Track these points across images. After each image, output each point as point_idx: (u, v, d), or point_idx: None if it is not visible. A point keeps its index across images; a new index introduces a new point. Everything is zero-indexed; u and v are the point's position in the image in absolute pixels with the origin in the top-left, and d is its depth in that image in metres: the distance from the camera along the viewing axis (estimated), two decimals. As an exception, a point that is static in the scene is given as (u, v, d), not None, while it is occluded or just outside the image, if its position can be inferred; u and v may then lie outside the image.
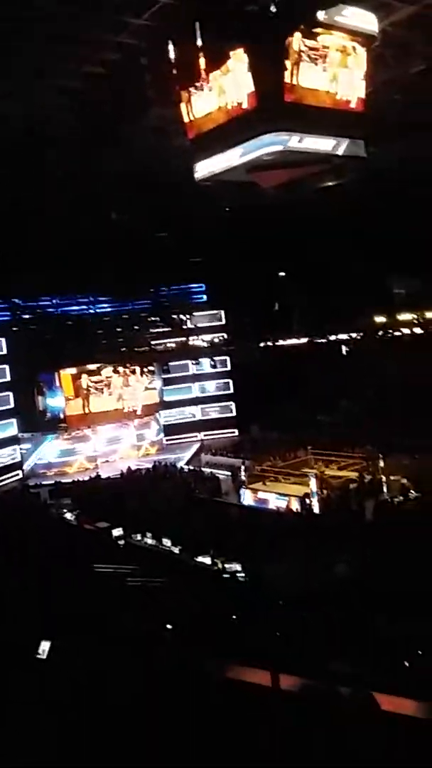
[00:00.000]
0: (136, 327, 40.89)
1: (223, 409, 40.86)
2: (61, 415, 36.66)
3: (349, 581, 11.32)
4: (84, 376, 37.28)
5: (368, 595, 9.74)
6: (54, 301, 39.06)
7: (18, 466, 35.14)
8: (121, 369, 38.64)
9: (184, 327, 41.16)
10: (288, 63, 12.63)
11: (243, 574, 14.27)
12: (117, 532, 19.02)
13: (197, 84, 14.01)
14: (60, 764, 3.92)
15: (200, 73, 13.73)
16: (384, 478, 23.54)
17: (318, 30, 12.95)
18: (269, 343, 44.19)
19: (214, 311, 41.46)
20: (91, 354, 37.86)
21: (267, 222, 29.09)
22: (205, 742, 3.88)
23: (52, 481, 31.88)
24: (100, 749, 3.91)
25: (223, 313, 41.33)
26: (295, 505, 23.13)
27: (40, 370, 36.70)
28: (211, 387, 41.25)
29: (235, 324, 41.62)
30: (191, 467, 33.53)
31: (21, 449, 35.69)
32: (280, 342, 43.74)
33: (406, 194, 28.11)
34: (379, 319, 40.47)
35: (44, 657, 5.23)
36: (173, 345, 41.04)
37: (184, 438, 40.07)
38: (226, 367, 41.14)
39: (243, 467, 27.93)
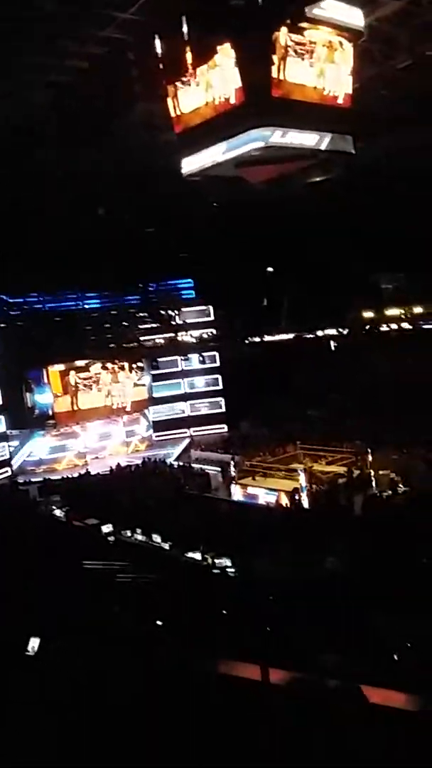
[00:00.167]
0: (124, 323, 40.77)
1: (212, 404, 40.85)
2: (50, 412, 36.52)
3: (338, 575, 11.38)
4: (72, 373, 37.17)
5: (357, 589, 9.80)
6: (42, 297, 38.86)
7: (6, 463, 34.96)
8: (109, 365, 38.57)
9: (173, 323, 41.08)
10: (275, 58, 12.63)
11: (233, 569, 14.31)
12: (107, 528, 19.00)
13: (184, 79, 13.98)
14: (49, 761, 3.92)
15: (187, 68, 13.70)
16: (373, 473, 23.64)
17: (304, 25, 12.96)
18: (258, 339, 44.27)
19: (203, 307, 41.43)
20: (79, 350, 37.75)
21: (256, 218, 29.09)
22: (196, 738, 3.89)
23: (41, 478, 31.75)
24: (91, 746, 3.91)
25: (211, 308, 41.31)
26: (285, 500, 23.18)
27: (28, 366, 36.51)
28: (200, 383, 41.21)
29: (224, 320, 41.63)
30: (181, 463, 33.52)
31: (9, 446, 35.52)
32: (269, 337, 43.83)
33: (393, 190, 28.17)
34: (368, 314, 40.64)
35: (33, 654, 5.23)
36: (162, 341, 40.97)
37: (174, 434, 40.02)
38: (215, 362, 41.12)
39: (232, 463, 27.96)
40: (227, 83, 13.11)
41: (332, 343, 41.60)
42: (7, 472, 34.62)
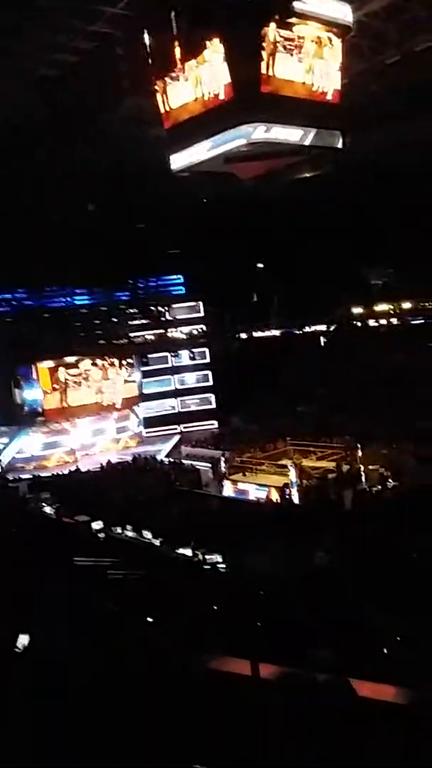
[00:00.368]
0: (114, 319, 40.67)
1: (202, 401, 40.82)
2: (39, 409, 36.39)
3: (328, 570, 11.42)
4: (62, 369, 37.04)
5: (347, 583, 9.84)
6: (31, 293, 38.67)
7: (-5, 460, 34.87)
8: (99, 362, 38.47)
9: (163, 319, 41.02)
10: (264, 54, 12.61)
11: (223, 565, 14.33)
12: (97, 525, 18.95)
13: (173, 74, 13.93)
14: (38, 757, 3.92)
15: (176, 63, 13.65)
16: (362, 468, 23.73)
17: (293, 20, 12.94)
18: (248, 335, 44.30)
19: (193, 303, 41.37)
20: (69, 347, 37.62)
21: (245, 214, 29.08)
22: (186, 733, 3.90)
23: (31, 475, 31.64)
24: (80, 741, 3.91)
25: (201, 305, 41.25)
26: (275, 496, 23.24)
27: (17, 362, 36.35)
28: (191, 379, 41.18)
29: (214, 316, 41.59)
30: (171, 459, 33.51)
31: (-1, 443, 35.42)
32: (259, 333, 43.87)
33: (382, 185, 28.23)
34: (357, 310, 40.79)
35: (21, 650, 5.22)
36: (152, 337, 40.92)
37: (164, 430, 39.97)
38: (206, 358, 41.08)
39: (223, 459, 27.97)
40: (216, 79, 13.07)
41: (322, 339, 41.72)
42: (-4, 469, 34.51)
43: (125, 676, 4.74)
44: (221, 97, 13.14)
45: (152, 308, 41.07)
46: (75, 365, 37.59)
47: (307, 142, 14.00)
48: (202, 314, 41.40)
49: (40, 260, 31.06)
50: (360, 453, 24.83)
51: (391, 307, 39.30)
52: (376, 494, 21.74)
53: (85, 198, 26.80)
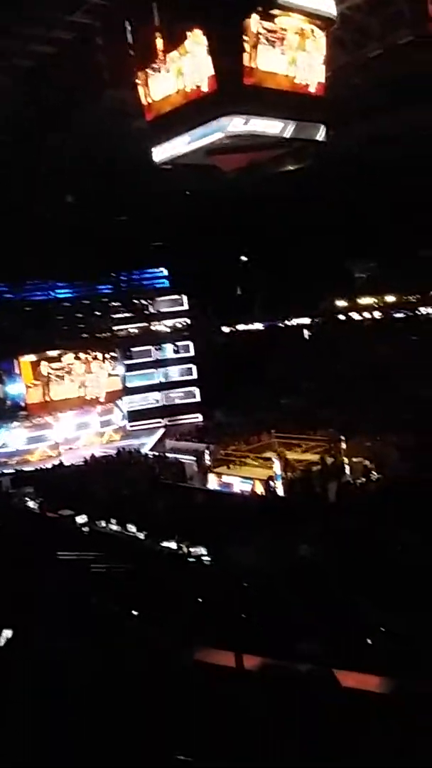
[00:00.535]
0: (97, 313, 40.48)
1: (186, 394, 40.78)
2: (22, 403, 36.17)
3: (312, 562, 11.49)
4: (44, 363, 36.82)
5: (331, 575, 9.90)
6: (12, 287, 38.35)
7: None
8: (82, 355, 38.28)
9: (147, 312, 40.89)
10: (246, 45, 12.55)
11: (208, 558, 14.35)
12: (81, 519, 18.89)
13: (154, 65, 13.83)
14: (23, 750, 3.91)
15: (157, 54, 13.56)
16: (346, 461, 23.85)
17: (276, 12, 12.89)
18: (232, 328, 44.34)
19: (177, 296, 41.25)
20: (51, 340, 37.40)
21: (229, 207, 29.01)
22: (171, 725, 3.91)
23: (13, 470, 31.45)
24: (63, 735, 3.91)
25: (185, 298, 41.14)
26: (260, 488, 23.30)
27: (-1, 357, 36.11)
28: (175, 372, 41.11)
29: (198, 309, 41.53)
30: (155, 453, 33.46)
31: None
32: (243, 326, 43.92)
33: (366, 178, 28.32)
34: (341, 303, 40.97)
35: (2, 645, 5.21)
36: (136, 331, 40.77)
37: (148, 424, 39.90)
38: (189, 352, 41.01)
39: (207, 452, 27.97)
40: (199, 71, 12.99)
41: (306, 332, 41.85)
42: (-22, 464, 34.26)
43: (110, 669, 4.74)
44: (204, 89, 13.07)
45: (136, 301, 40.94)
46: (58, 359, 37.38)
47: (286, 135, 13.96)
48: (185, 307, 41.30)
49: (21, 254, 30.78)
50: (344, 445, 24.96)
51: (375, 300, 39.52)
52: (359, 486, 21.87)
53: (66, 191, 26.60)
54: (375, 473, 22.64)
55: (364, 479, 22.48)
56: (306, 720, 3.59)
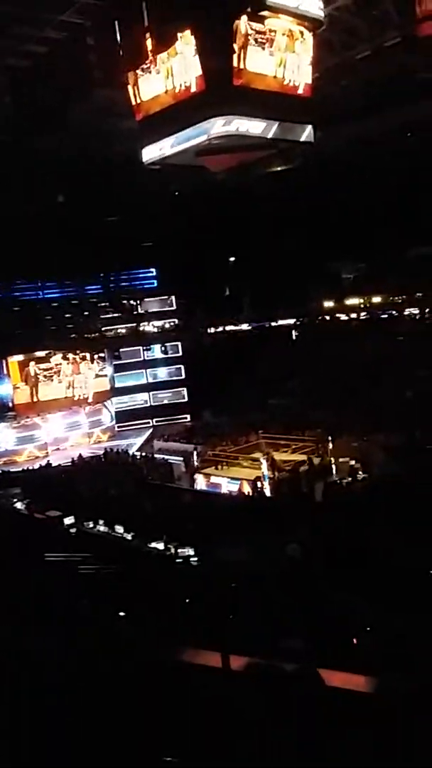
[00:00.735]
0: (85, 313, 40.34)
1: (174, 394, 40.69)
2: (9, 404, 35.99)
3: (300, 561, 11.51)
4: (32, 364, 36.67)
5: (317, 574, 9.94)
6: (0, 286, 38.15)
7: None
8: (70, 356, 38.15)
9: (135, 313, 40.81)
10: (235, 46, 12.60)
11: (196, 559, 14.35)
12: (69, 520, 18.84)
13: (144, 66, 13.85)
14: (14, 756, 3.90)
15: (147, 55, 13.58)
16: (333, 461, 23.94)
17: (265, 13, 12.95)
18: (220, 328, 44.35)
19: (165, 297, 41.19)
20: (39, 340, 37.23)
21: (217, 208, 29.05)
22: (158, 726, 3.91)
23: (0, 471, 31.27)
24: (50, 736, 3.90)
25: (174, 298, 41.10)
26: (247, 489, 23.34)
27: (-14, 357, 35.91)
28: (163, 373, 41.03)
29: (186, 309, 41.50)
30: (143, 453, 33.38)
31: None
32: (231, 327, 43.95)
33: (353, 179, 28.43)
34: (328, 304, 41.11)
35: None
36: (124, 331, 40.66)
37: (136, 424, 39.80)
38: (178, 352, 40.94)
39: (195, 452, 27.97)
40: (188, 71, 13.04)
41: (293, 333, 41.95)
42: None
43: (97, 670, 4.73)
44: (192, 89, 13.11)
45: (124, 302, 40.85)
46: (46, 359, 37.23)
47: (269, 135, 14.01)
48: (174, 308, 41.25)
49: (8, 253, 30.62)
50: (331, 446, 25.06)
51: (362, 300, 39.68)
52: (346, 486, 21.95)
53: (55, 190, 26.50)
54: (361, 473, 22.73)
55: (350, 479, 22.56)
56: (292, 719, 3.61)
